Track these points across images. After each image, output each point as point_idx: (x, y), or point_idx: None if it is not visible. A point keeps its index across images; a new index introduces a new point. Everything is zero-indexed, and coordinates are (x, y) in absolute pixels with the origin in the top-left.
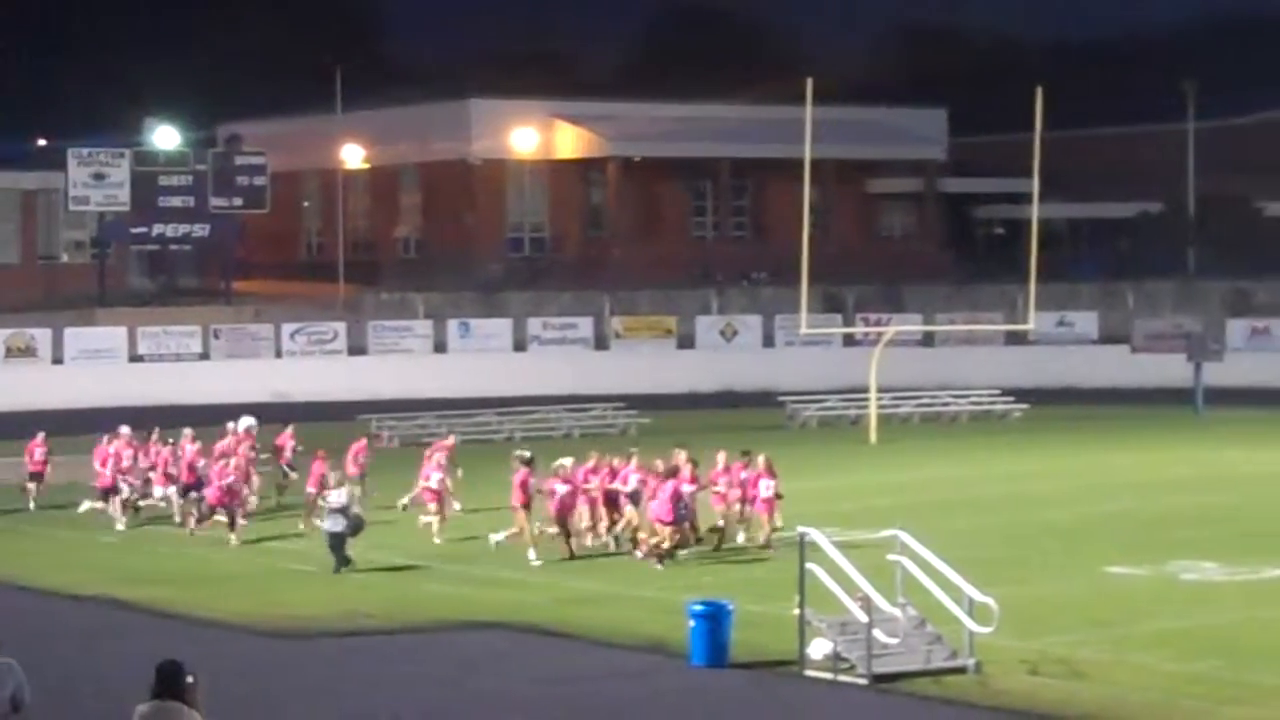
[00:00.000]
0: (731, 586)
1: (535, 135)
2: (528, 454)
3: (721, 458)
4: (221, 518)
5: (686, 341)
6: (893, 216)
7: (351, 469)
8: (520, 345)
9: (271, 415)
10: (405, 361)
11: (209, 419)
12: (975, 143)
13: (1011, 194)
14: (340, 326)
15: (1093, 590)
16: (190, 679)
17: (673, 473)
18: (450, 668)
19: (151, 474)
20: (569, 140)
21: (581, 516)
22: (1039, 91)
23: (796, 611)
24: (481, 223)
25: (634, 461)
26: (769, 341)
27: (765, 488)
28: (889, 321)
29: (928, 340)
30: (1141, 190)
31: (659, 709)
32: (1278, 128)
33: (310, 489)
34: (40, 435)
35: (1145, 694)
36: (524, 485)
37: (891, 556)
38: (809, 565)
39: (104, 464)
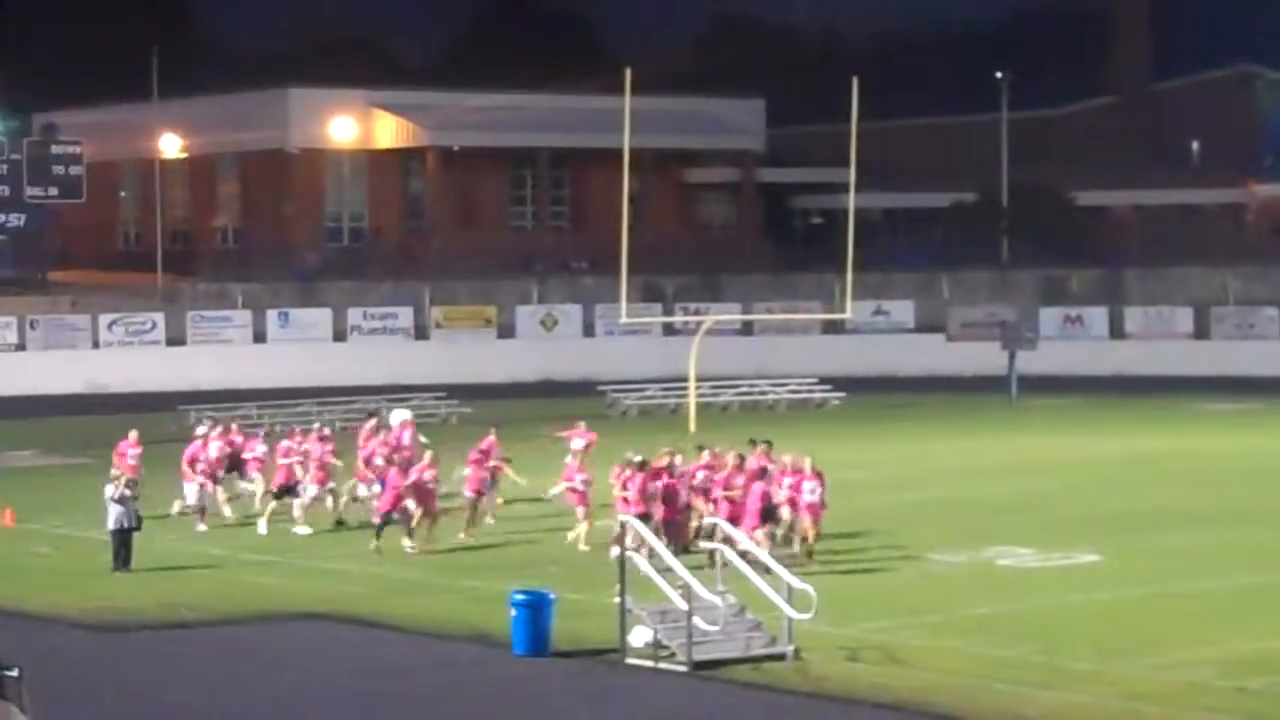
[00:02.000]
0: (553, 576)
1: (354, 125)
2: (638, 457)
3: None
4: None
5: (506, 331)
6: (711, 206)
7: (127, 465)
8: (340, 335)
9: (89, 407)
10: (224, 352)
11: (25, 411)
12: (792, 133)
13: (828, 184)
14: (159, 317)
15: (910, 577)
16: (14, 672)
17: (760, 474)
18: (270, 659)
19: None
20: (388, 130)
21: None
22: (855, 82)
23: (617, 600)
24: (300, 212)
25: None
26: (589, 331)
27: (810, 491)
28: (708, 311)
29: (746, 329)
30: (956, 180)
31: (480, 698)
32: (1090, 118)
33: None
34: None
35: (961, 679)
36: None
37: (711, 544)
38: (629, 554)
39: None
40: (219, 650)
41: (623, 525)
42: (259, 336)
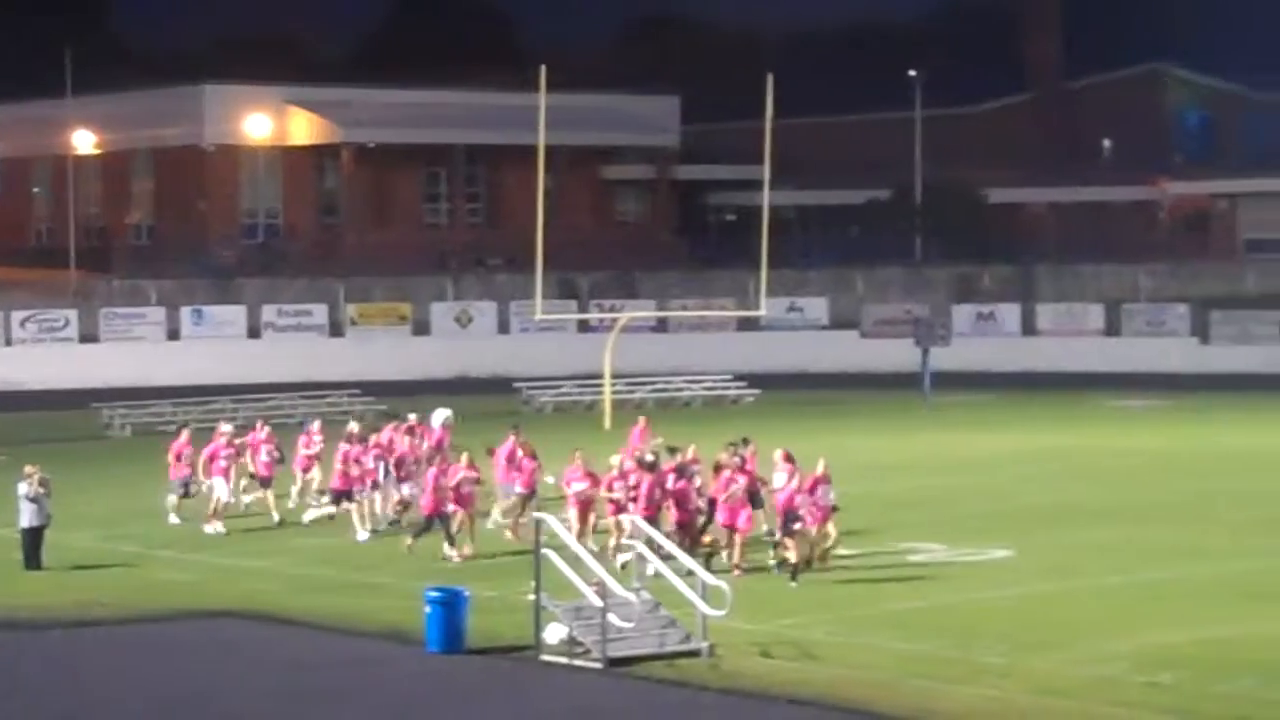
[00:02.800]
0: (468, 572)
1: (269, 121)
2: (651, 457)
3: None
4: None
5: (421, 328)
6: (627, 203)
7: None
8: (255, 332)
9: (1, 404)
10: (138, 349)
11: None
12: (708, 130)
13: (743, 181)
14: (72, 314)
15: (824, 572)
16: None
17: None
18: (183, 657)
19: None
20: (303, 126)
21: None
22: (770, 79)
23: (532, 597)
24: (215, 209)
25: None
26: (504, 328)
27: (825, 494)
28: (623, 308)
29: (661, 326)
30: (870, 178)
31: (393, 695)
32: (1002, 116)
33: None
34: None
35: (876, 674)
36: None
37: (626, 541)
38: (544, 551)
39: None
40: (132, 648)
41: (618, 525)
42: (173, 334)
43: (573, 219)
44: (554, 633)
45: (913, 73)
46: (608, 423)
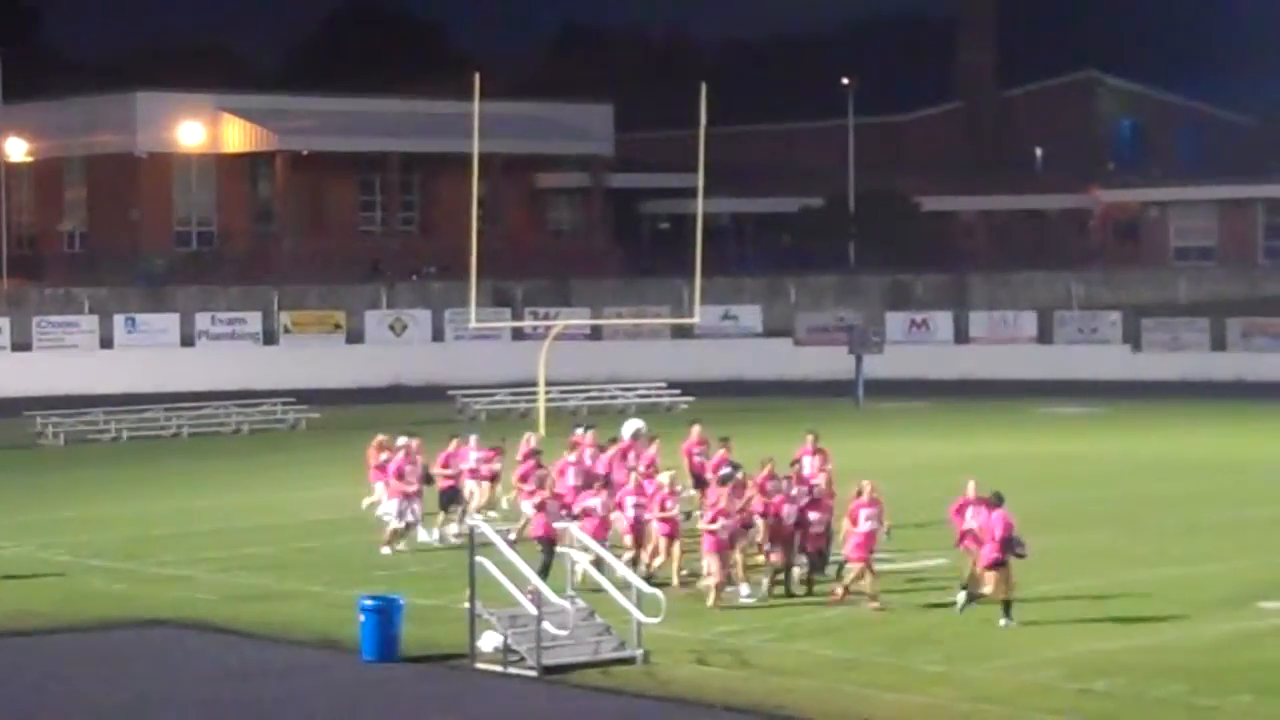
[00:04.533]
0: (403, 581)
1: (202, 129)
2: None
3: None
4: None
5: (355, 336)
6: (561, 211)
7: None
8: (188, 340)
9: None
10: (71, 357)
11: None
12: (642, 138)
13: (677, 189)
14: (4, 322)
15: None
16: None
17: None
18: (115, 667)
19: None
20: (236, 134)
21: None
22: (704, 87)
23: (466, 605)
24: (148, 217)
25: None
26: (438, 335)
27: (865, 518)
28: (557, 315)
29: (596, 334)
30: (804, 185)
31: (328, 704)
32: (936, 125)
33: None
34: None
35: (810, 681)
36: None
37: (562, 549)
38: (479, 559)
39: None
40: (63, 658)
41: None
42: (106, 342)
43: (507, 227)
44: (489, 641)
45: (846, 81)
46: (541, 429)
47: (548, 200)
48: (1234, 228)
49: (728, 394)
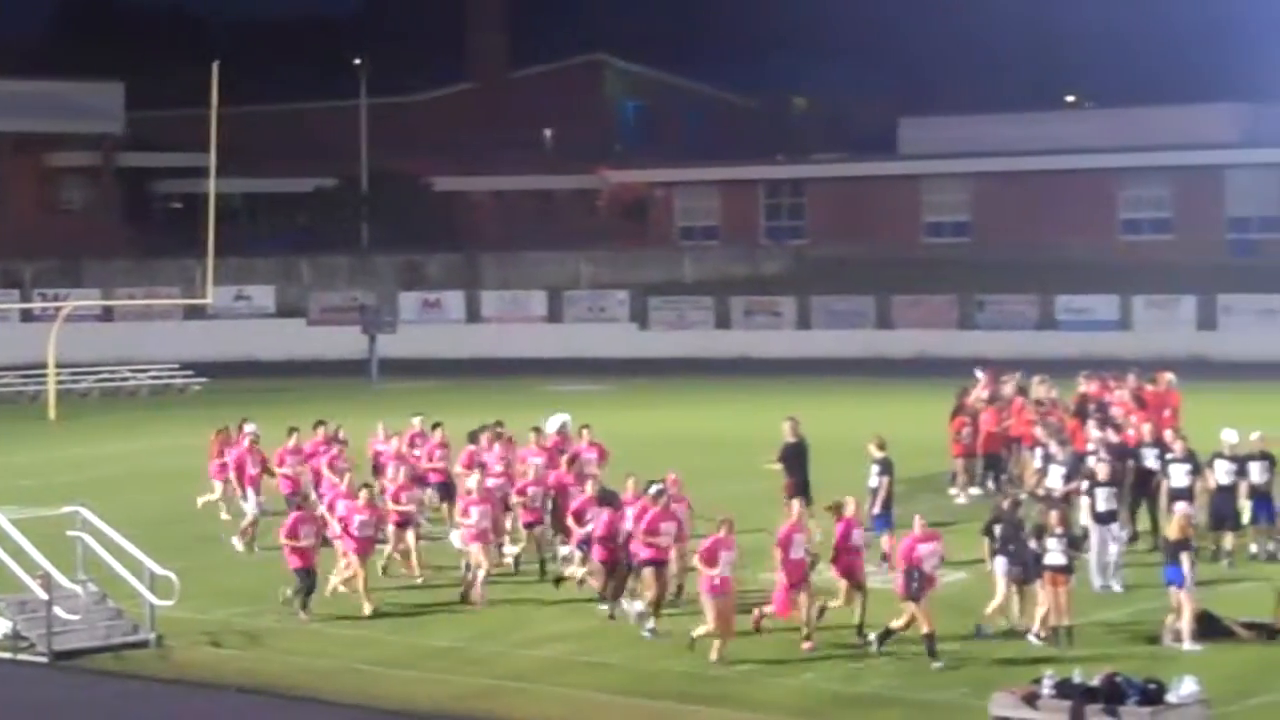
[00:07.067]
0: None
1: None
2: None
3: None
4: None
5: None
6: (72, 191)
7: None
8: None
9: None
10: None
11: None
12: (154, 117)
13: (190, 169)
14: None
15: (264, 562)
16: None
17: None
18: None
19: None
20: None
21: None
22: (215, 66)
23: None
24: None
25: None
26: None
27: (858, 537)
28: (67, 296)
29: (107, 315)
30: (317, 165)
31: None
32: (447, 105)
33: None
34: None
35: (323, 661)
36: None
37: (72, 533)
38: None
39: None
40: None
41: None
42: None
43: (16, 207)
44: None
45: (358, 61)
46: (52, 413)
47: (58, 180)
48: (736, 208)
49: (241, 374)
